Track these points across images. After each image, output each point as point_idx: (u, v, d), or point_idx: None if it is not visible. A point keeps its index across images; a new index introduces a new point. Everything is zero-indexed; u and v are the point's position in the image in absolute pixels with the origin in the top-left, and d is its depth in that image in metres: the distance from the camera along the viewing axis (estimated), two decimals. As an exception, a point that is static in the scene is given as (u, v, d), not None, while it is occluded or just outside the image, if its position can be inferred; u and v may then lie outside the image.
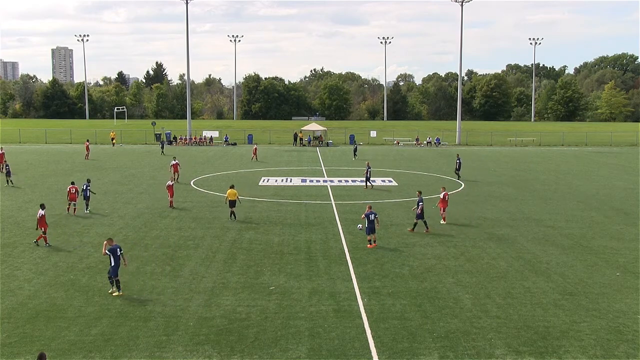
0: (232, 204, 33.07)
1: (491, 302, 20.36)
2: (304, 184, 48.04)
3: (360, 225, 30.65)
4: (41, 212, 27.15)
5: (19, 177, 49.59)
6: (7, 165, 46.63)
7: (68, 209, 34.64)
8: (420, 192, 31.49)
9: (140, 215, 34.19)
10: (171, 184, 36.73)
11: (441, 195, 33.09)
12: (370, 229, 27.37)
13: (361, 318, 18.77)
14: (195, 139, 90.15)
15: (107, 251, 21.01)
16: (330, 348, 16.57)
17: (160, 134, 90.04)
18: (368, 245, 27.24)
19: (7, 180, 45.41)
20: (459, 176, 50.93)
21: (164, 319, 18.54)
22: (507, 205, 38.63)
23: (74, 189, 34.43)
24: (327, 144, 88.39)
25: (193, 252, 26.40)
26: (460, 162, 51.44)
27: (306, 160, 67.80)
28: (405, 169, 58.11)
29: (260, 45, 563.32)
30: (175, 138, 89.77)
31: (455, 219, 33.88)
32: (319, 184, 48.06)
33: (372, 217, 27.18)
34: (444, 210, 33.05)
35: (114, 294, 20.64)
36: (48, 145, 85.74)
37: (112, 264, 20.81)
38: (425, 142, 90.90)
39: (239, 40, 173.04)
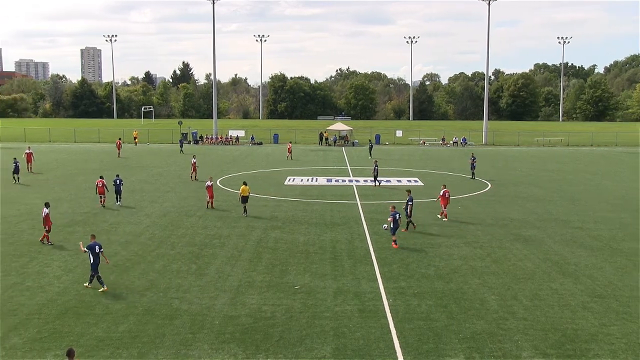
0: (245, 199, 34.13)
1: (518, 303, 20.16)
2: (329, 183, 48.04)
3: (386, 225, 30.52)
4: (45, 210, 27.42)
5: (49, 176, 50.36)
6: (16, 162, 47.29)
7: (101, 201, 36.45)
8: (409, 191, 31.68)
9: (167, 214, 34.48)
10: (210, 184, 36.68)
11: (441, 193, 33.66)
12: (395, 229, 27.30)
13: (386, 318, 18.71)
14: (221, 138, 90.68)
15: (85, 248, 21.35)
16: (355, 348, 16.55)
17: (187, 133, 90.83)
18: (394, 245, 27.15)
19: (15, 178, 46.29)
20: (473, 175, 50.52)
21: (189, 317, 18.68)
22: (534, 206, 38.22)
23: (101, 183, 36.37)
24: (353, 144, 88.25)
25: (219, 250, 26.55)
26: (475, 160, 51.06)
27: (332, 159, 67.79)
28: (431, 169, 57.80)
29: (286, 45, 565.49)
30: (201, 137, 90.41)
31: (481, 219, 33.63)
32: (344, 183, 48.02)
33: (397, 216, 27.12)
34: (445, 207, 33.55)
35: (99, 290, 20.97)
36: (77, 144, 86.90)
37: (92, 261, 21.13)
38: (451, 142, 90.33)
39: (265, 40, 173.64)
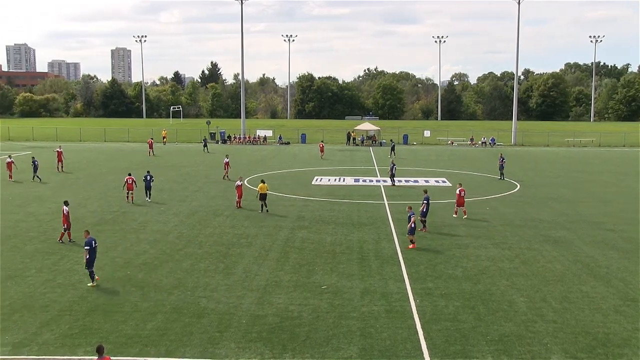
0: (263, 197, 34.93)
1: (547, 306, 19.90)
2: (356, 183, 47.97)
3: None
4: (65, 208, 27.76)
5: (79, 175, 51.08)
6: (34, 161, 48.01)
7: (127, 197, 37.65)
8: (426, 191, 31.63)
9: (195, 213, 34.74)
10: (240, 183, 36.94)
11: (457, 191, 33.96)
12: (413, 230, 27.13)
13: (413, 319, 18.62)
14: (249, 138, 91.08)
15: (85, 246, 21.60)
16: (381, 348, 16.49)
17: (215, 132, 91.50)
18: (410, 246, 26.93)
19: (34, 176, 47.03)
20: (502, 175, 50.02)
21: (217, 315, 18.78)
22: (564, 207, 37.71)
23: (130, 180, 37.66)
24: (380, 144, 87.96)
25: (246, 250, 26.66)
26: (504, 161, 50.56)
27: (359, 159, 67.69)
28: (459, 170, 57.37)
29: (314, 44, 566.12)
30: (229, 137, 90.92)
31: (510, 220, 33.29)
32: (372, 183, 47.91)
33: (413, 217, 26.95)
34: (458, 206, 33.95)
35: (90, 285, 21.36)
36: (107, 143, 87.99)
37: (88, 257, 21.43)
38: (480, 142, 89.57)
39: (293, 40, 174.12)
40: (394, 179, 46.89)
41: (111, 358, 13.91)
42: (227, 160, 49.78)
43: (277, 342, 16.87)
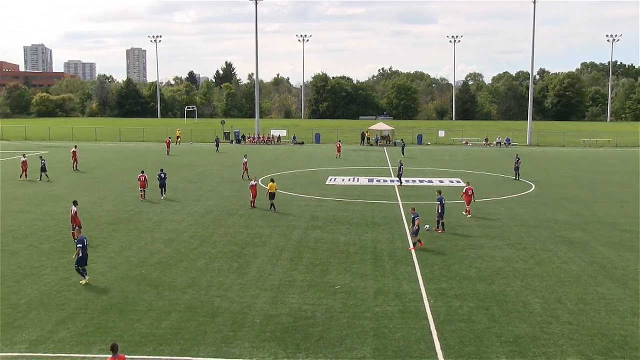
0: (272, 196, 35.24)
1: (562, 307, 19.76)
2: (370, 183, 47.90)
3: (428, 226, 30.37)
4: (74, 208, 27.92)
5: (95, 174, 51.42)
6: (42, 160, 48.39)
7: (141, 195, 38.54)
8: (439, 192, 31.57)
9: (209, 213, 34.85)
10: (254, 183, 37.02)
11: (464, 190, 34.50)
12: (417, 231, 26.92)
13: (427, 319, 18.56)
14: (263, 137, 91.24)
15: (78, 244, 21.74)
16: (395, 349, 16.45)
17: (229, 132, 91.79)
18: (411, 248, 26.78)
19: (41, 175, 47.43)
20: (517, 175, 49.69)
21: (230, 315, 18.83)
22: (579, 207, 37.43)
23: (143, 177, 38.72)
24: (395, 144, 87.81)
25: (260, 249, 26.71)
26: (519, 161, 50.20)
27: (373, 159, 67.60)
28: (473, 170, 57.12)
29: (328, 44, 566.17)
30: (243, 137, 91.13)
31: (524, 221, 33.09)
32: (386, 183, 47.82)
33: (417, 219, 26.75)
34: (468, 204, 34.06)
35: (83, 283, 21.53)
36: (122, 143, 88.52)
37: (81, 254, 21.58)
38: (494, 143, 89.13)
39: (307, 40, 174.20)
40: (402, 178, 46.86)
41: (125, 356, 13.98)
42: (246, 160, 49.77)
43: (291, 341, 16.88)
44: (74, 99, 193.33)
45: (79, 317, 18.54)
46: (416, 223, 26.66)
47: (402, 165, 47.45)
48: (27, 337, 16.95)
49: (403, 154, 67.67)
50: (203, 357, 15.91)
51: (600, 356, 16.12)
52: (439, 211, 30.28)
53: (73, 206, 28.04)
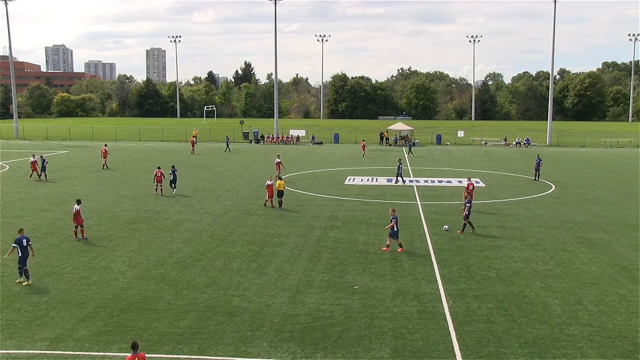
0: (280, 194, 36.35)
1: (582, 309, 19.57)
2: (389, 183, 47.78)
3: (447, 226, 30.29)
4: (76, 207, 28.14)
5: (114, 174, 51.84)
6: (43, 160, 48.77)
7: (156, 189, 40.70)
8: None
9: (228, 212, 34.98)
10: (270, 183, 37.06)
11: (465, 184, 34.83)
12: (396, 233, 26.51)
13: (446, 320, 18.48)
14: (282, 137, 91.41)
15: (13, 243, 21.80)
16: (413, 349, 16.40)
17: (248, 132, 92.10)
18: (385, 249, 26.56)
19: (40, 175, 47.76)
20: (538, 176, 49.25)
21: (249, 314, 18.88)
22: (600, 208, 37.06)
23: (159, 173, 40.61)
24: (414, 144, 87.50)
25: (279, 249, 26.76)
26: (540, 162, 49.71)
27: (392, 160, 67.39)
28: (493, 170, 56.78)
29: (347, 44, 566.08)
30: (262, 137, 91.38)
31: (544, 221, 32.83)
32: (405, 184, 47.65)
33: (394, 221, 26.32)
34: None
35: (23, 284, 21.49)
36: (141, 142, 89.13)
37: (20, 254, 21.58)
38: (514, 143, 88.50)
39: (326, 40, 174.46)
40: (402, 178, 46.90)
41: (145, 355, 14.07)
42: (279, 160, 49.42)
43: (309, 341, 16.89)
44: (94, 99, 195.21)
45: (99, 315, 18.71)
46: (392, 224, 26.29)
47: (400, 164, 47.27)
48: (47, 335, 17.14)
49: (411, 153, 68.15)
50: (221, 356, 15.97)
51: (621, 359, 15.94)
52: (467, 212, 29.90)
53: (76, 205, 28.32)
